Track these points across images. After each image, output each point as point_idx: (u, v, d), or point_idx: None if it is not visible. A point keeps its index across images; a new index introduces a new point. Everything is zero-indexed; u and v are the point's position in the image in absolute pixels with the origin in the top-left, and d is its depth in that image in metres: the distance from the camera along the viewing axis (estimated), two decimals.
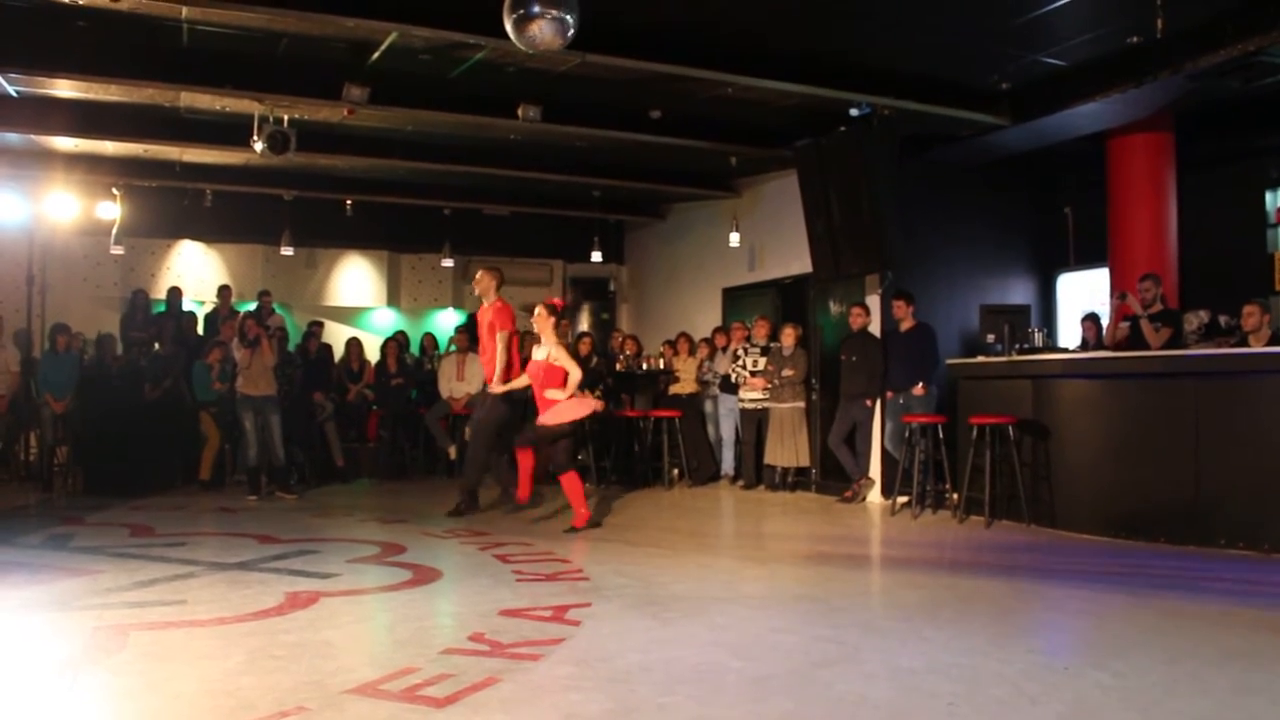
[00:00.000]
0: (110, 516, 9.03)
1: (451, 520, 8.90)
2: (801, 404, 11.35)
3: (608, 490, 11.47)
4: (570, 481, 8.40)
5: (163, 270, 14.31)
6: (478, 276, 9.37)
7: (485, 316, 9.30)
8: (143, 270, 14.19)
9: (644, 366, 12.54)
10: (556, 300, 9.04)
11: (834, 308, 11.52)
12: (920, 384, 9.96)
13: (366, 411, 13.15)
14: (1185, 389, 7.75)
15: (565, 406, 8.32)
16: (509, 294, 15.39)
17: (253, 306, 13.78)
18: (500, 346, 9.03)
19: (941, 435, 9.47)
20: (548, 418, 8.35)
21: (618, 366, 12.59)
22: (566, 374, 8.39)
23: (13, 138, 11.10)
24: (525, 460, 8.67)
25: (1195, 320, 9.39)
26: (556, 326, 8.60)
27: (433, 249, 15.27)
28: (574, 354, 12.03)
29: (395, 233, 15.29)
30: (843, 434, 10.61)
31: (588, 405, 8.47)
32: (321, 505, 10.08)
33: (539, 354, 8.53)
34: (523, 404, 9.22)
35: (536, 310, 8.65)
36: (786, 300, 12.49)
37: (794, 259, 11.95)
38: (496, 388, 8.94)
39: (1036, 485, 8.75)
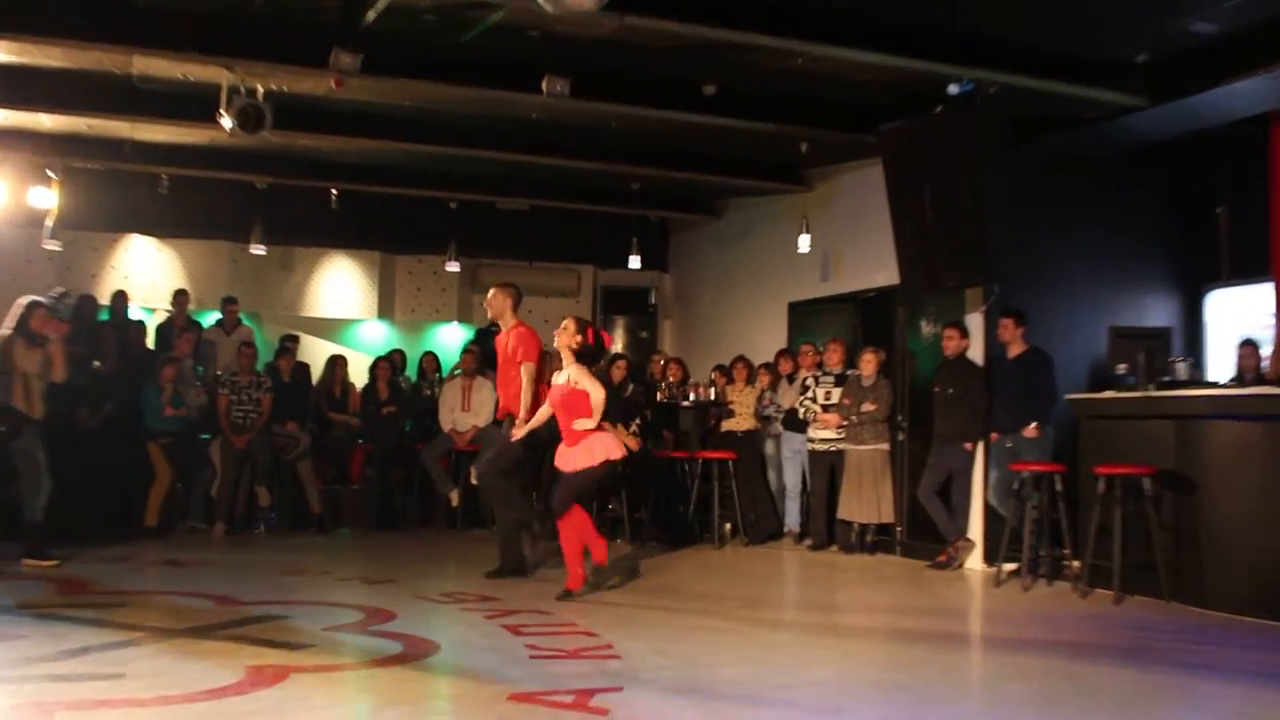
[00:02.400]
0: (34, 569, 9.07)
1: (444, 585, 8.86)
2: (884, 446, 11.28)
3: (644, 548, 11.41)
4: (570, 529, 8.25)
5: (106, 270, 14.42)
6: (490, 295, 9.34)
7: (505, 344, 9.22)
8: (82, 270, 14.32)
9: (691, 397, 12.49)
10: (605, 335, 8.96)
11: (926, 328, 11.45)
12: (1033, 424, 9.85)
13: (350, 446, 13.18)
14: None
15: (596, 445, 8.19)
16: (527, 309, 15.58)
17: (215, 316, 13.91)
18: (525, 381, 8.93)
19: (1059, 488, 9.35)
20: (573, 461, 8.23)
21: (659, 396, 12.54)
22: (590, 397, 8.25)
23: None
24: (578, 522, 8.40)
25: None
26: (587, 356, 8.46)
27: (435, 250, 15.32)
28: (605, 381, 12.04)
29: (390, 230, 15.35)
30: (936, 484, 10.54)
31: (619, 445, 8.33)
32: (294, 560, 10.06)
33: (559, 378, 8.44)
34: (541, 445, 9.14)
35: (563, 323, 8.57)
36: (867, 318, 12.44)
37: (877, 268, 11.91)
38: (517, 432, 8.79)
39: (1179, 553, 8.61)
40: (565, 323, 8.52)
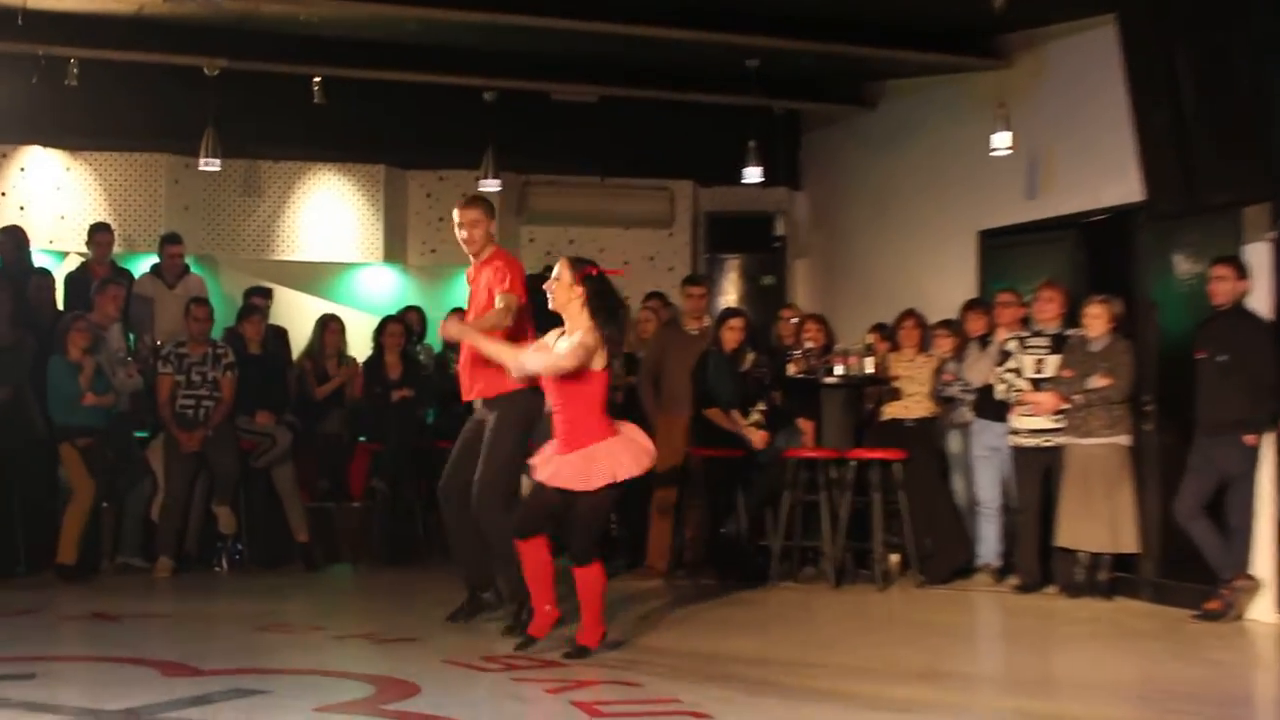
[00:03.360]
0: None
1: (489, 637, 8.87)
2: (1123, 439, 11.19)
3: (773, 589, 11.47)
4: (589, 579, 8.25)
5: None
6: (459, 221, 9.35)
7: (480, 279, 9.24)
8: None
9: (838, 370, 12.38)
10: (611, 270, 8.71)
11: (1184, 265, 11.37)
12: None
13: (348, 446, 13.24)
14: None
15: (615, 451, 8.12)
16: (598, 246, 15.56)
17: (151, 262, 13.97)
18: (500, 310, 8.87)
19: None
20: (577, 470, 8.14)
21: (790, 369, 12.45)
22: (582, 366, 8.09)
23: None
24: (536, 557, 8.43)
25: None
26: (601, 300, 8.31)
27: (464, 162, 15.31)
28: (715, 348, 12.00)
29: (399, 134, 15.42)
30: (1203, 496, 10.43)
31: (641, 454, 8.16)
32: (272, 610, 10.15)
33: (560, 344, 8.32)
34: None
35: (556, 269, 8.45)
36: (1095, 253, 12.36)
37: (1109, 178, 11.82)
38: (477, 340, 8.72)
39: None
40: (557, 270, 8.38)
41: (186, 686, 7.30)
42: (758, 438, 12.00)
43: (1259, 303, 10.50)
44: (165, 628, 9.42)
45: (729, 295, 16.07)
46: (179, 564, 12.03)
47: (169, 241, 13.86)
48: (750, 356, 12.28)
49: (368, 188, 15.52)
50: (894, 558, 12.17)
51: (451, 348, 13.94)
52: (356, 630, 9.32)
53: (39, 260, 13.79)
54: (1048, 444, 11.42)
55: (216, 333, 12.81)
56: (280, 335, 13.73)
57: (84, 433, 11.68)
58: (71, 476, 11.68)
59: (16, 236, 13.48)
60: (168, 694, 7.10)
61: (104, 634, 9.13)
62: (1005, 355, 11.71)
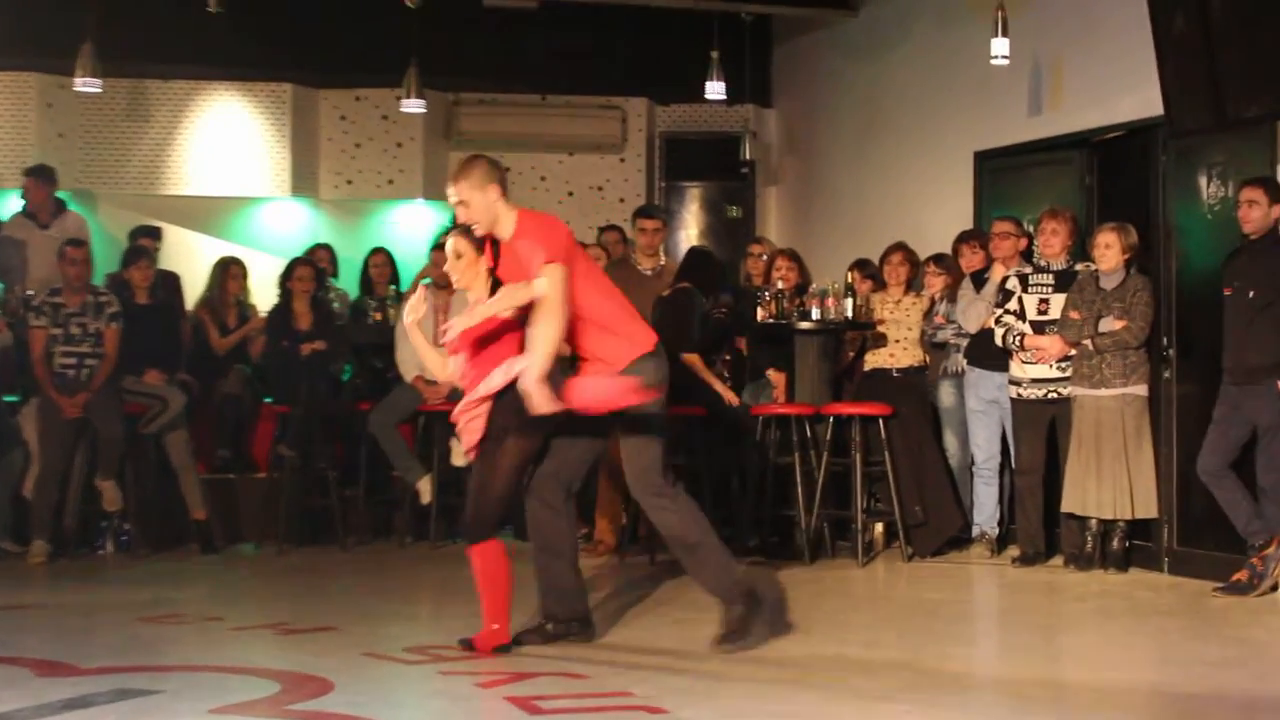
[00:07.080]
0: None
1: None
2: (1140, 390, 11.19)
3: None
4: (488, 557, 8.26)
5: None
6: (456, 191, 8.47)
7: (510, 255, 8.85)
8: None
9: (814, 314, 12.38)
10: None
11: (1209, 189, 11.32)
12: None
13: (251, 409, 13.24)
14: None
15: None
16: (539, 175, 15.55)
17: (16, 199, 13.89)
18: (549, 289, 8.65)
19: None
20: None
21: (759, 315, 12.46)
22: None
23: None
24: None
25: None
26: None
27: (383, 79, 15.32)
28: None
29: (308, 48, 15.39)
30: (1230, 453, 10.48)
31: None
32: (164, 598, 10.15)
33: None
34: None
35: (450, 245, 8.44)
36: (1108, 176, 12.38)
37: (1124, 89, 11.87)
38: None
39: None
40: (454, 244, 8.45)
41: (64, 688, 7.29)
42: (729, 394, 11.99)
43: None
44: (40, 621, 9.41)
45: (689, 229, 16.06)
46: (56, 547, 12.00)
47: (37, 175, 13.68)
48: (714, 299, 12.23)
49: (272, 110, 15.49)
50: (878, 527, 12.25)
51: (370, 292, 13.94)
52: (261, 620, 9.35)
53: None
54: (1053, 395, 11.44)
55: (98, 279, 12.76)
56: (171, 281, 13.64)
57: None
58: None
59: None
60: (41, 696, 7.09)
61: None
62: (1005, 294, 11.70)
